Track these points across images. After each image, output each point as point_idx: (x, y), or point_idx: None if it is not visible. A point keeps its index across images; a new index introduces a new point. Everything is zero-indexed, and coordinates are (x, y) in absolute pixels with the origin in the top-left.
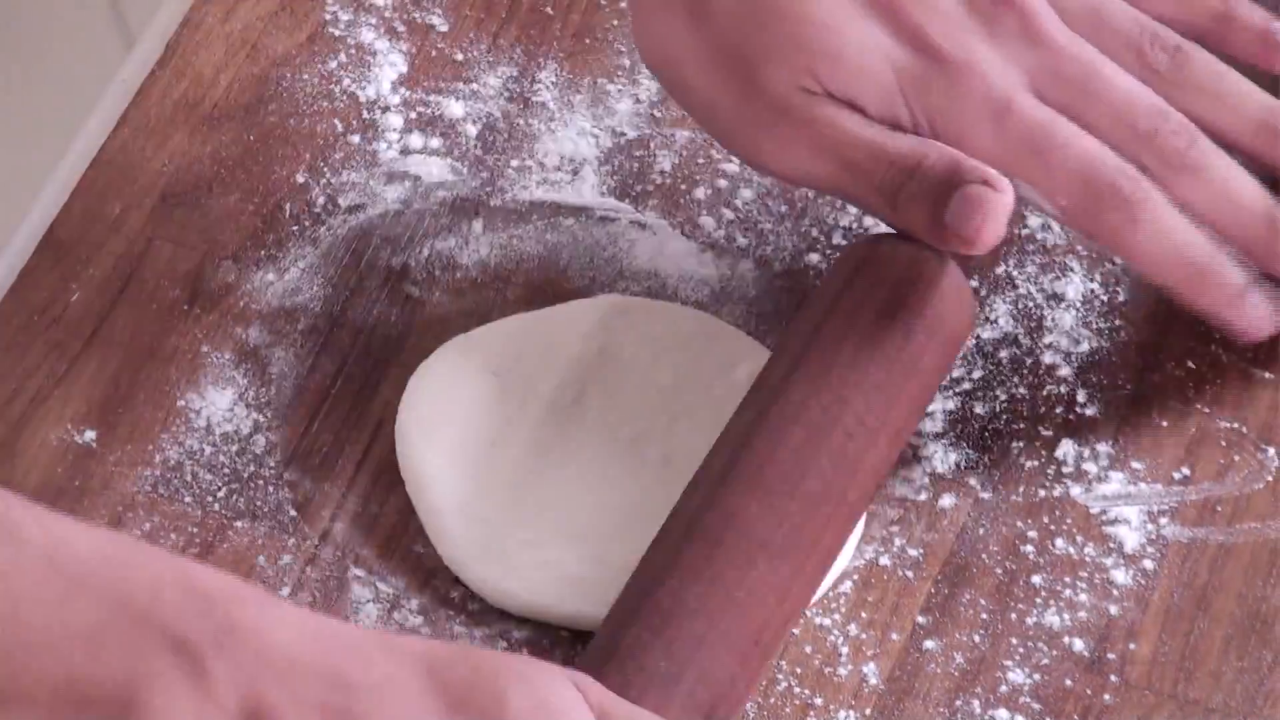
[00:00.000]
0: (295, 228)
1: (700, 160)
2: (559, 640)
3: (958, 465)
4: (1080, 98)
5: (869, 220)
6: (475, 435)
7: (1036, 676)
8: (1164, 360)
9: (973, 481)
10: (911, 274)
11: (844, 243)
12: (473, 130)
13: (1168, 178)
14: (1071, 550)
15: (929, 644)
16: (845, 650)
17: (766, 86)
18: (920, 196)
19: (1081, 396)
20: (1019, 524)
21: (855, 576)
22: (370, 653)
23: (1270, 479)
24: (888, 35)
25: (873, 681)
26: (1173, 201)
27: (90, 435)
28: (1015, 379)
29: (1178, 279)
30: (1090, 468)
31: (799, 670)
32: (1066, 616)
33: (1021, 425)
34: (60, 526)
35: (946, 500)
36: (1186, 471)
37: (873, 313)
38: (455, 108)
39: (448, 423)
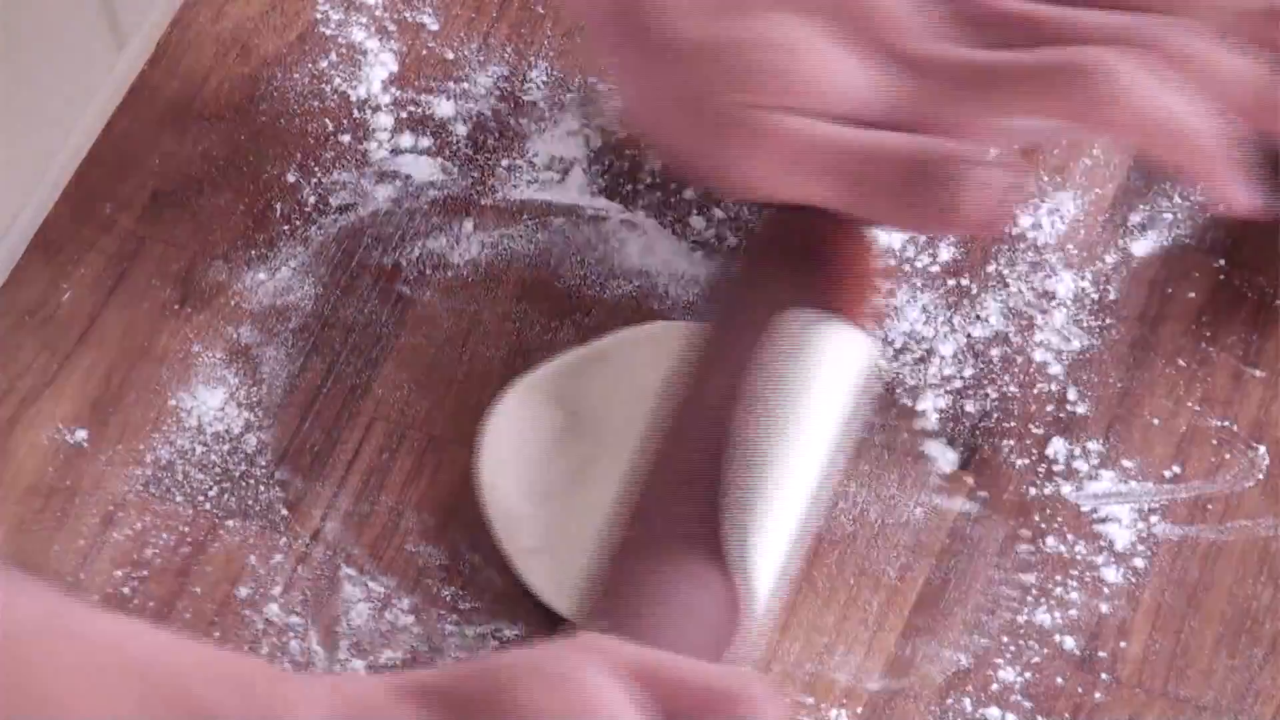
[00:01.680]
0: (286, 227)
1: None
2: (549, 637)
3: (949, 463)
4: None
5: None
6: (557, 472)
7: (1028, 674)
8: (1155, 358)
9: (964, 479)
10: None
11: None
12: (463, 129)
13: (1145, 45)
14: (1062, 548)
15: (920, 642)
16: (837, 648)
17: (718, 107)
18: (912, 186)
19: (1072, 395)
20: (1010, 522)
21: (848, 574)
22: (386, 705)
23: (1261, 477)
24: (853, 54)
25: (864, 680)
26: (1159, 71)
27: (81, 435)
28: (1006, 377)
29: (1171, 153)
30: (1081, 466)
31: (790, 668)
32: (1058, 614)
33: (1012, 423)
34: (109, 623)
35: (938, 498)
36: (1177, 470)
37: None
38: (445, 107)
39: (528, 463)
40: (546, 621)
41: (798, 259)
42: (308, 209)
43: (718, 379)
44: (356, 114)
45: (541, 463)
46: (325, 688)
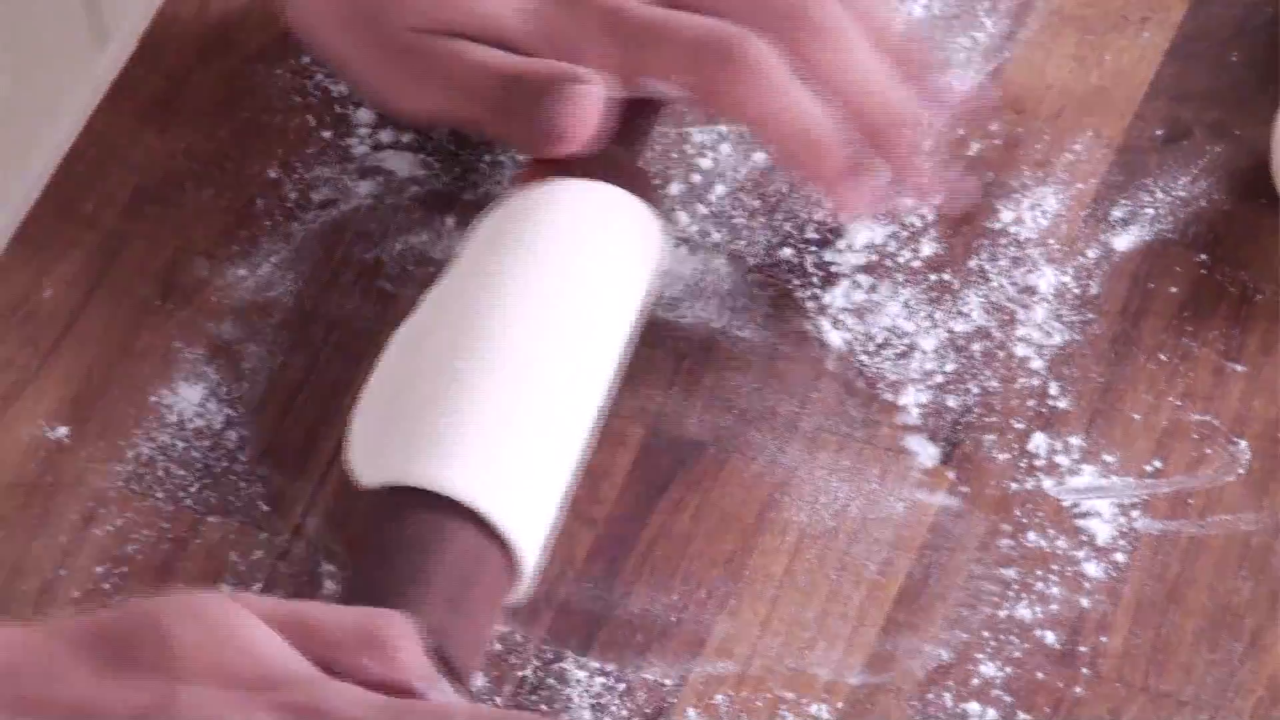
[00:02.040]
0: (268, 223)
1: (674, 155)
2: (531, 633)
3: (930, 458)
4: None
5: (843, 215)
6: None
7: (1008, 669)
8: (1136, 353)
9: (945, 474)
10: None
11: (816, 236)
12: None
13: (795, 38)
14: (1043, 543)
15: (901, 637)
16: (818, 644)
17: (386, 30)
18: (522, 105)
19: (1054, 389)
20: (991, 517)
21: (829, 569)
22: (32, 643)
23: (1242, 472)
24: None
25: (845, 675)
26: (796, 70)
27: (62, 431)
28: (987, 372)
29: (788, 145)
30: (1062, 460)
31: (771, 663)
32: (1038, 609)
33: (994, 418)
34: None
35: (919, 493)
36: (1158, 464)
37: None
38: None
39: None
40: (528, 614)
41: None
42: (289, 205)
43: None
44: (338, 110)
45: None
46: None
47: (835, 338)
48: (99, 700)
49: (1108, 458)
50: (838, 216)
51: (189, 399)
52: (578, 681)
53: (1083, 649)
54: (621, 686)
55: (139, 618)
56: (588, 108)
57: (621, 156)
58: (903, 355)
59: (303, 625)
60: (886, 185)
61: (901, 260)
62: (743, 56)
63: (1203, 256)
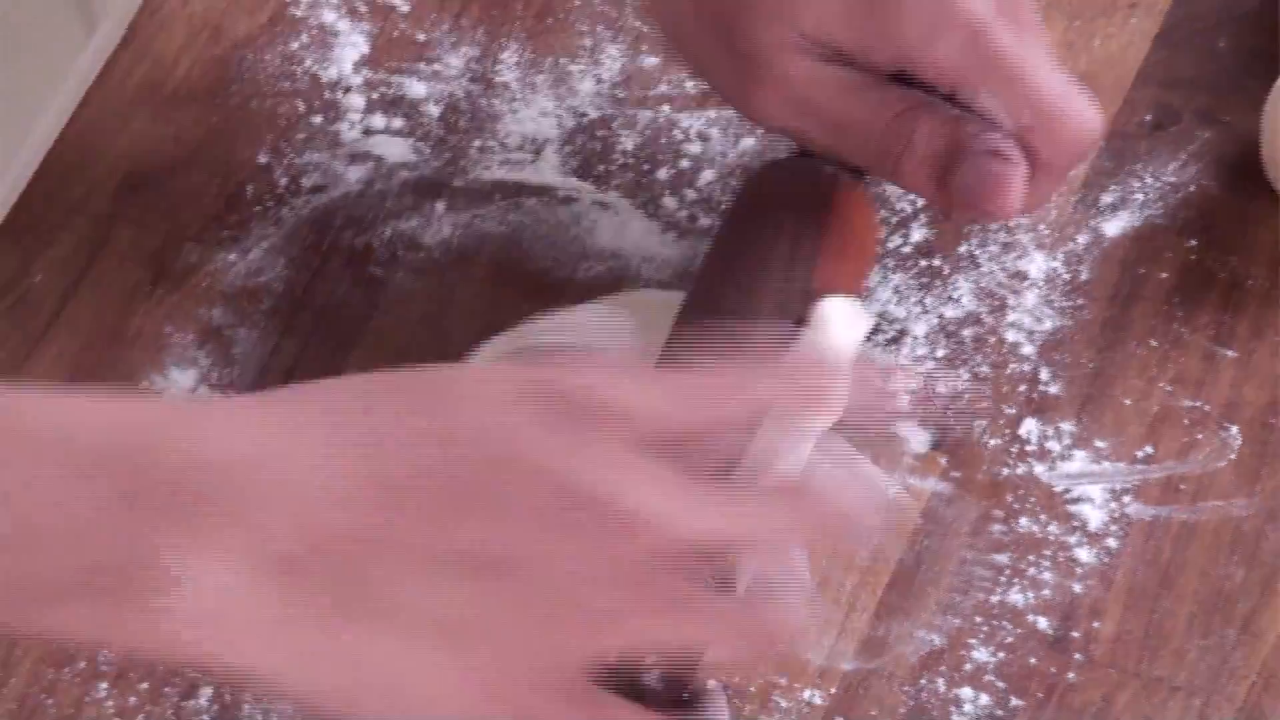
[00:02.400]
0: (258, 209)
1: (663, 141)
2: None
3: (922, 444)
4: None
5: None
6: None
7: (1001, 655)
8: (1127, 339)
9: (936, 460)
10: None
11: None
12: (435, 111)
13: None
14: (1035, 529)
15: (894, 623)
16: (811, 629)
17: (749, 39)
18: (924, 166)
19: (1045, 375)
20: (983, 502)
21: (820, 554)
22: (479, 400)
23: (1233, 457)
24: None
25: (838, 661)
26: None
27: None
28: (978, 357)
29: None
30: (1054, 446)
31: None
32: (1030, 595)
33: (985, 404)
34: (63, 410)
35: (911, 479)
36: (1150, 450)
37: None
38: (417, 88)
39: None
40: None
41: (798, 220)
42: (279, 190)
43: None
44: (328, 95)
45: None
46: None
47: None
48: (554, 459)
49: (1099, 443)
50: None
51: (180, 384)
52: None
53: (1075, 634)
54: None
55: (576, 374)
56: (1017, 189)
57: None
58: (894, 341)
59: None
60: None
61: (892, 246)
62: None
63: (1193, 242)
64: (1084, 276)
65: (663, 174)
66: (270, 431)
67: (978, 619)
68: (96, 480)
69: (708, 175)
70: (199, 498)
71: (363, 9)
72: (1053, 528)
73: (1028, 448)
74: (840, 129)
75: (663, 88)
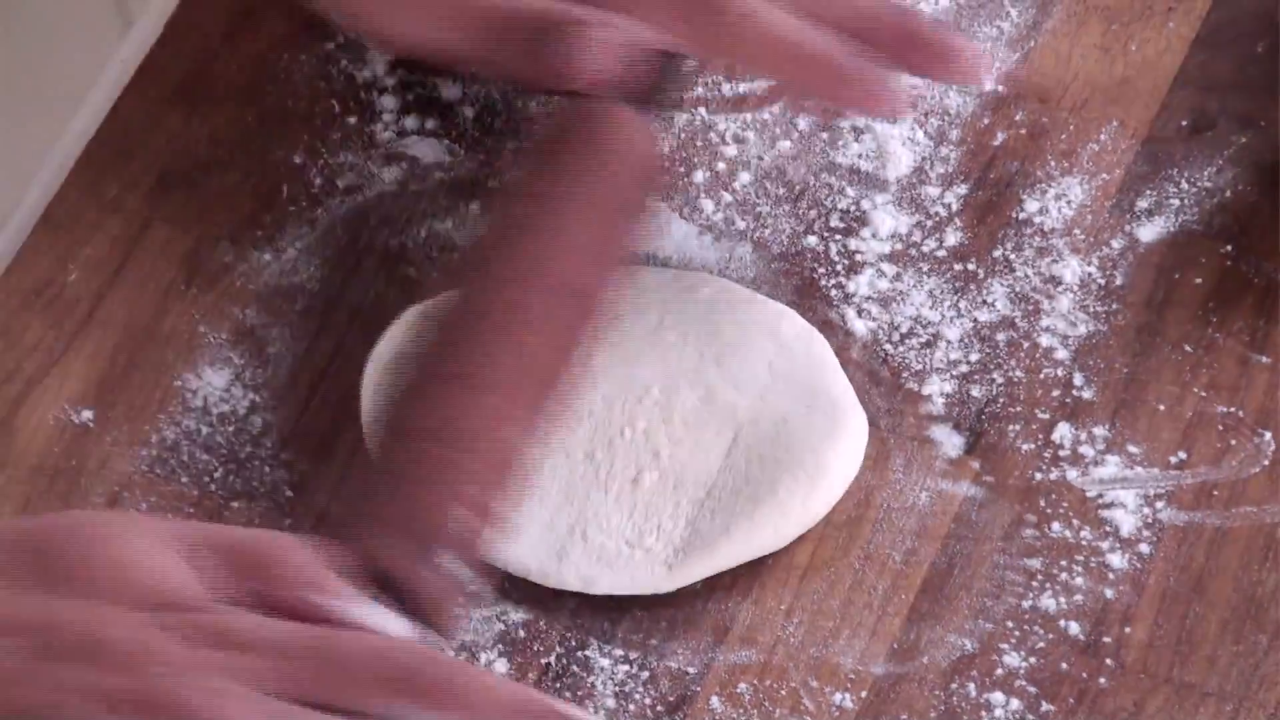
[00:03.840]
0: (292, 208)
1: (699, 143)
2: (555, 621)
3: (955, 448)
4: None
5: (865, 203)
6: None
7: (1032, 660)
8: (1161, 344)
9: (969, 464)
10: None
11: (841, 225)
12: (470, 111)
13: None
14: (1067, 534)
15: (925, 627)
16: (842, 632)
17: None
18: (523, 42)
19: (1078, 380)
20: (1015, 507)
21: (852, 558)
22: None
23: (1267, 463)
24: None
25: (869, 664)
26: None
27: (87, 415)
28: (1012, 362)
29: (788, 69)
30: (1087, 451)
31: (794, 652)
32: (1062, 600)
33: (1018, 408)
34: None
35: (943, 483)
36: (1183, 455)
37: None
38: (452, 89)
39: None
40: (553, 602)
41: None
42: (314, 190)
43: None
44: (363, 96)
45: None
46: None
47: (860, 326)
48: (43, 615)
49: (1132, 449)
50: (873, 117)
51: (213, 383)
52: (601, 669)
53: (1107, 640)
54: (645, 674)
55: (36, 530)
56: (598, 49)
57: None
58: (927, 345)
59: (204, 543)
60: (899, 79)
61: (926, 249)
62: (733, 5)
63: (1228, 247)
64: (1118, 281)
65: (699, 176)
66: None
67: (1009, 624)
68: None
69: (744, 178)
70: None
71: None
72: (1085, 533)
73: (1061, 452)
74: (490, 37)
75: (699, 90)
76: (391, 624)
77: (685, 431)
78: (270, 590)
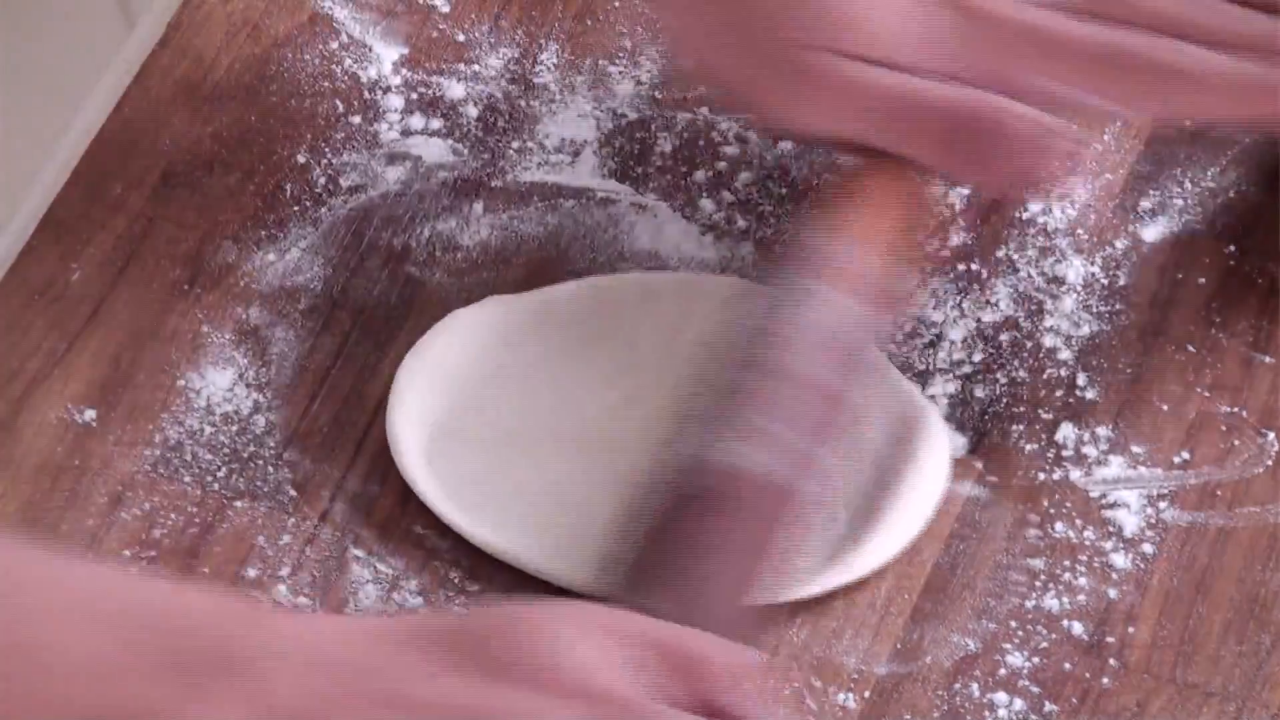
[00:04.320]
0: (296, 208)
1: (701, 143)
2: None
3: (958, 448)
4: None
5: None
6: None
7: (1035, 660)
8: (1164, 344)
9: (973, 464)
10: None
11: None
12: (473, 111)
13: None
14: (1071, 534)
15: (928, 627)
16: (845, 632)
17: (760, 43)
18: (975, 143)
19: (1082, 380)
20: (1019, 507)
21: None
22: (381, 639)
23: (1270, 463)
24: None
25: (872, 664)
26: None
27: (90, 414)
28: (1015, 362)
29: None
30: (1090, 451)
31: (797, 652)
32: (1065, 600)
33: (1021, 409)
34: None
35: (947, 483)
36: (1186, 455)
37: None
38: (456, 89)
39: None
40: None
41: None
42: (318, 190)
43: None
44: (367, 95)
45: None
46: (313, 627)
47: None
48: (444, 701)
49: (1136, 449)
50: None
51: (217, 383)
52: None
53: (1110, 640)
54: None
55: (490, 622)
56: (1064, 154)
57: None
58: (931, 345)
59: (642, 639)
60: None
61: (929, 249)
62: (1174, 60)
63: (1231, 248)
64: (1122, 282)
65: (700, 176)
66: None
67: (1013, 624)
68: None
69: (745, 177)
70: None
71: (402, 9)
72: (1088, 533)
73: (1064, 453)
74: (889, 120)
75: (701, 89)
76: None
77: None
78: (698, 692)
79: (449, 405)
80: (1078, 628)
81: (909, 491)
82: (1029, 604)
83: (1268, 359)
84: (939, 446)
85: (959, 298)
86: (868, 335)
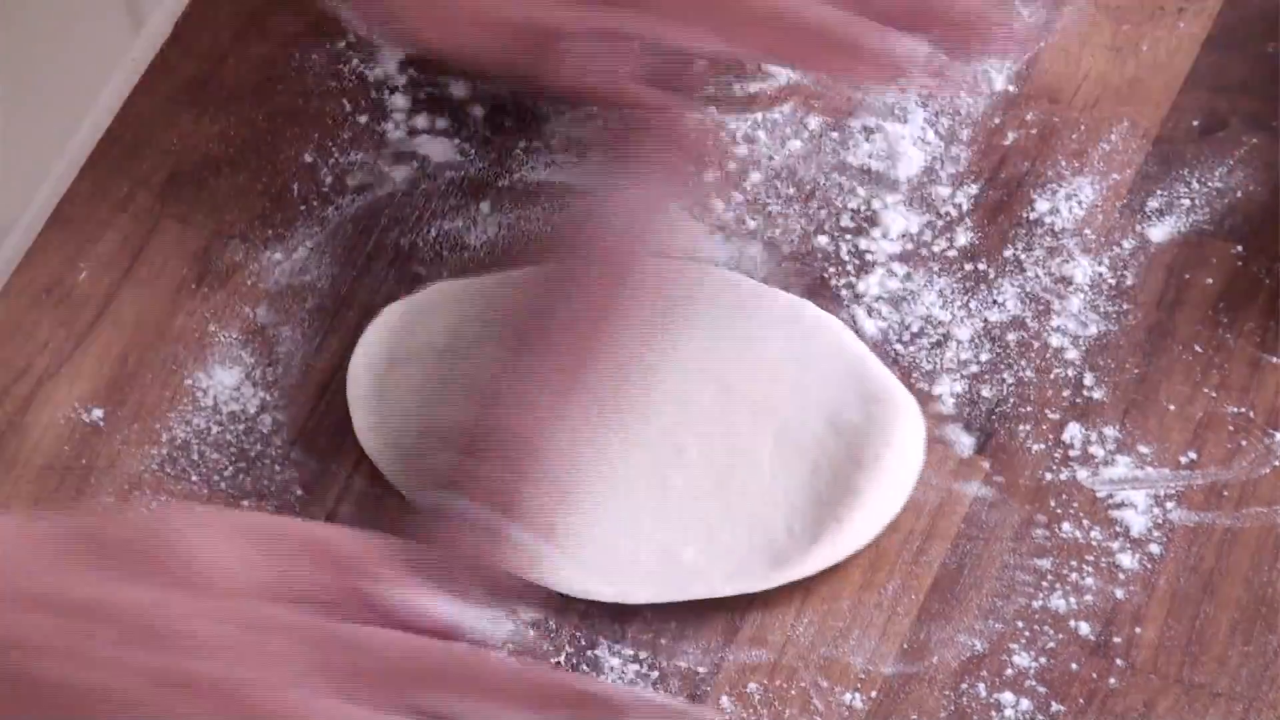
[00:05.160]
0: (303, 207)
1: (710, 143)
2: (565, 620)
3: (965, 448)
4: None
5: (876, 203)
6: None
7: (1042, 660)
8: (1171, 344)
9: (980, 464)
10: None
11: (852, 224)
12: (480, 111)
13: None
14: (1078, 534)
15: (935, 627)
16: (852, 632)
17: None
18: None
19: (1089, 380)
20: (1026, 507)
21: (863, 558)
22: (24, 536)
23: (1276, 464)
24: None
25: (879, 664)
26: None
27: (98, 414)
28: (1023, 362)
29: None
30: (1097, 451)
31: (804, 651)
32: (1072, 600)
33: (1028, 408)
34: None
35: (953, 483)
36: (1193, 456)
37: None
38: (462, 88)
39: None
40: (563, 601)
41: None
42: (325, 189)
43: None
44: (374, 95)
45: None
46: None
47: (870, 326)
48: (106, 600)
49: (1142, 449)
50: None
51: (224, 382)
52: (611, 669)
53: (1117, 640)
54: (655, 674)
55: (133, 524)
56: (598, 61)
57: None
58: (938, 345)
59: (307, 549)
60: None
61: (937, 249)
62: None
63: (1239, 248)
64: (1129, 282)
65: (710, 176)
66: None
67: (1019, 624)
68: None
69: (755, 177)
70: None
71: None
72: (1095, 533)
73: (1071, 453)
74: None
75: (709, 90)
76: (440, 609)
77: (713, 431)
78: (347, 583)
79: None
80: (1085, 628)
81: (885, 472)
82: (1036, 604)
83: (1275, 359)
84: (912, 424)
85: (966, 297)
86: None
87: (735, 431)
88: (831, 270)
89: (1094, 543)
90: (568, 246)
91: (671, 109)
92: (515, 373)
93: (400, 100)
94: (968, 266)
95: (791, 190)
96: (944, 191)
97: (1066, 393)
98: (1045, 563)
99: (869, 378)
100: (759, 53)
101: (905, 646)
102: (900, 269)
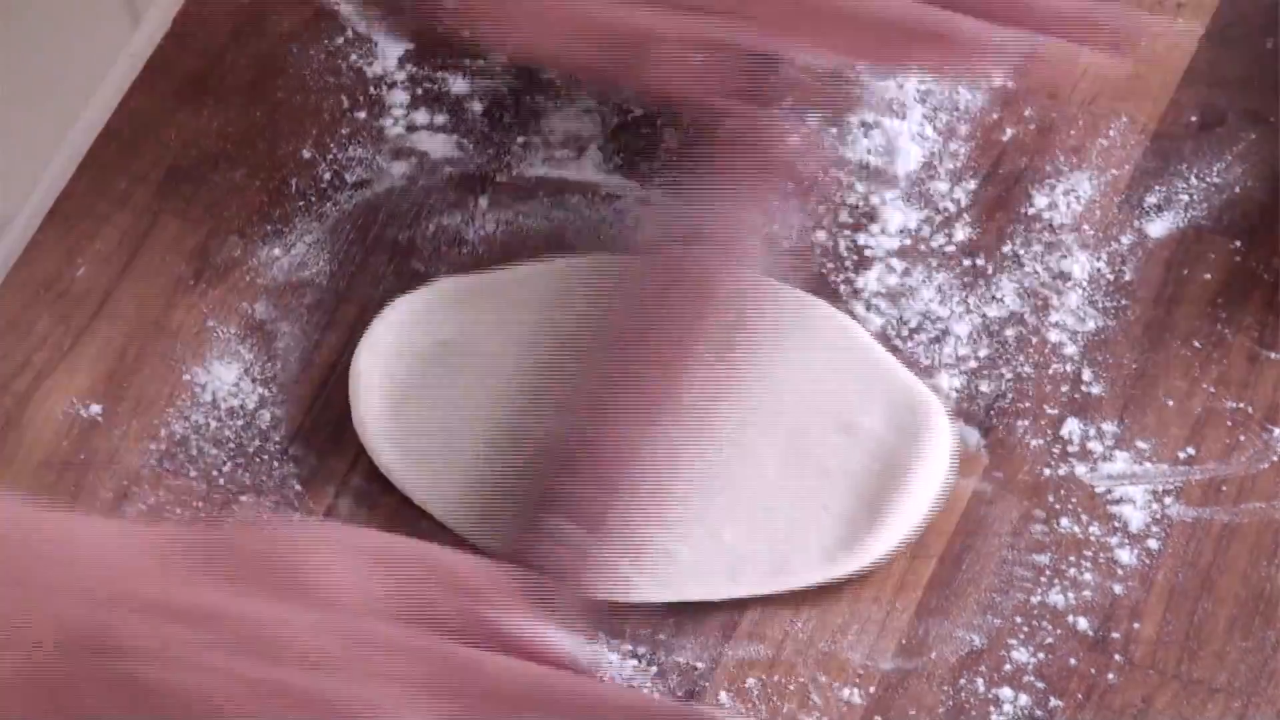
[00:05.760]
0: (301, 203)
1: (706, 138)
2: None
3: (963, 443)
4: None
5: (875, 199)
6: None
7: (1041, 655)
8: (1170, 340)
9: (978, 460)
10: None
11: (850, 220)
12: (479, 106)
13: None
14: (1076, 529)
15: (933, 622)
16: (851, 628)
17: None
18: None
19: (1087, 375)
20: (1024, 502)
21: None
22: (146, 544)
23: (1275, 459)
24: None
25: (877, 660)
26: None
27: (96, 409)
28: (1021, 357)
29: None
30: (1096, 447)
31: (803, 647)
32: (1071, 595)
33: (1027, 404)
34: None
35: (952, 478)
36: (1192, 451)
37: None
38: (461, 84)
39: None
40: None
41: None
42: (323, 185)
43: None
44: (372, 90)
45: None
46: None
47: (869, 321)
48: (223, 610)
49: (1141, 444)
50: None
51: (222, 378)
52: (609, 664)
53: (1115, 635)
54: (653, 669)
55: (252, 542)
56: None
57: None
58: (936, 340)
59: (404, 558)
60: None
61: (935, 245)
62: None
63: (1237, 243)
64: (1127, 277)
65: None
66: None
67: (1018, 619)
68: None
69: None
70: None
71: (407, 4)
72: (1094, 528)
73: (1069, 448)
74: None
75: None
76: (551, 637)
77: (722, 432)
78: (466, 609)
79: (403, 386)
80: (1083, 623)
81: (915, 482)
82: (1034, 599)
83: (1273, 355)
84: (943, 437)
85: (964, 293)
86: None
87: (746, 438)
88: (830, 266)
89: (1092, 538)
90: (655, 263)
91: (769, 124)
92: (605, 391)
93: (399, 96)
94: (966, 262)
95: (789, 185)
96: (942, 187)
97: (1065, 388)
98: (1044, 558)
99: (903, 390)
100: (852, 56)
101: (904, 642)
102: (899, 264)
